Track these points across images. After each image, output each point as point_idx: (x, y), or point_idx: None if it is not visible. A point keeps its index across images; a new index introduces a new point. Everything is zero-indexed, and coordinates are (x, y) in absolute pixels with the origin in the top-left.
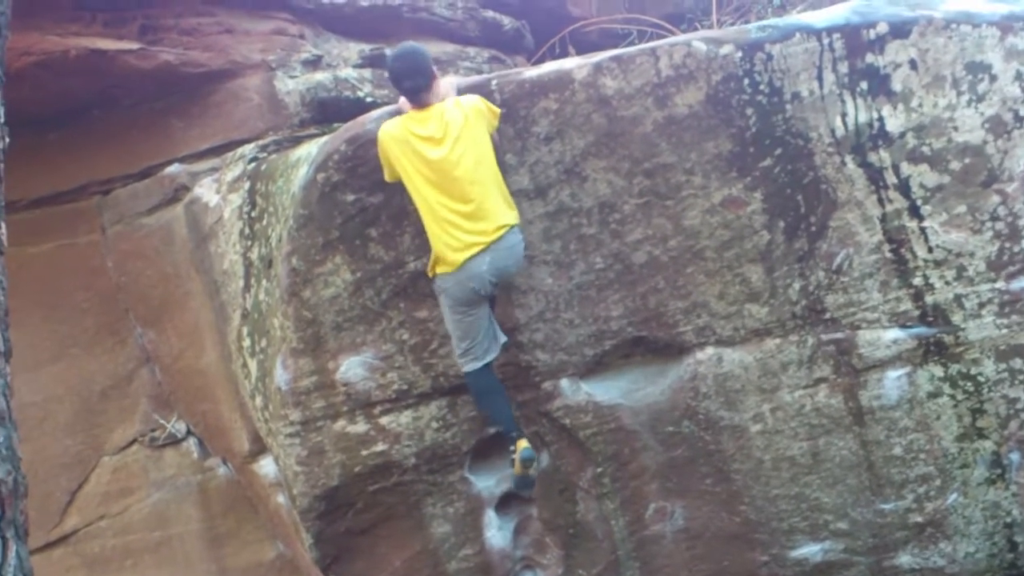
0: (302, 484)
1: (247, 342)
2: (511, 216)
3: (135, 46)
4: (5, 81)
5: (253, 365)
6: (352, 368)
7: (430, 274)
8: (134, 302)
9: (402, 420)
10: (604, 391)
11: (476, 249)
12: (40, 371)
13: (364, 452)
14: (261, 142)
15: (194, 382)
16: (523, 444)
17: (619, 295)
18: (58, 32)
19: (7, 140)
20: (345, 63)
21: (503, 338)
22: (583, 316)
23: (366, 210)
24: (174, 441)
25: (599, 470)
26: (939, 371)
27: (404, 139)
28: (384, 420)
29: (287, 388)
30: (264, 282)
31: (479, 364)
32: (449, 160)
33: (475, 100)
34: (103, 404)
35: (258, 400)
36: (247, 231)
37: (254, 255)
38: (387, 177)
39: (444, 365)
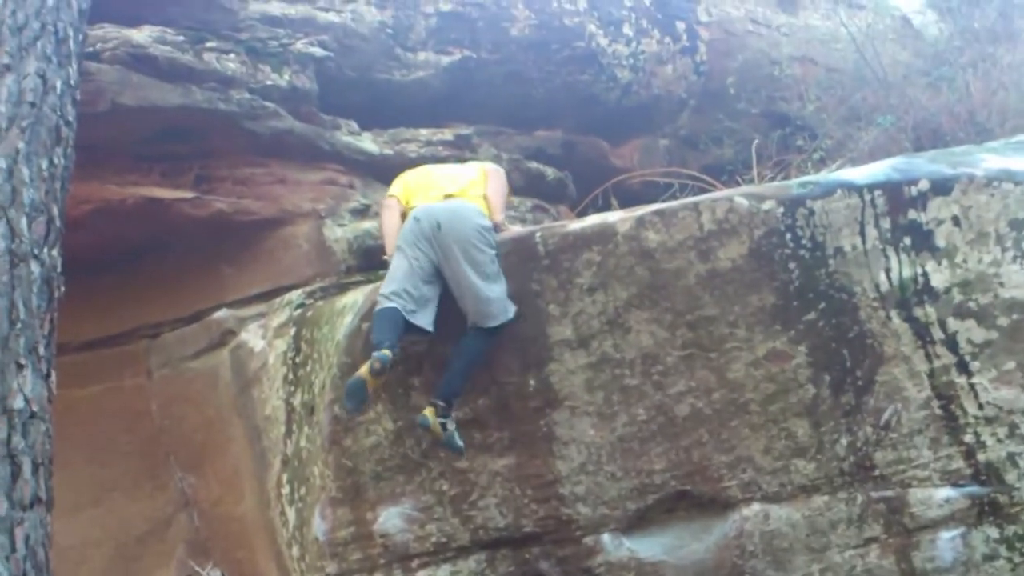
0: None
1: (286, 489)
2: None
3: (190, 195)
4: (64, 230)
5: (291, 513)
6: (391, 519)
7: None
8: (176, 446)
9: (439, 574)
10: (647, 547)
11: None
12: (79, 515)
13: None
14: (308, 288)
15: (231, 528)
16: (386, 352)
17: (662, 448)
18: (116, 181)
19: (62, 289)
20: None
21: (425, 322)
22: (625, 469)
23: (408, 359)
24: None
25: None
26: (995, 532)
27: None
28: (421, 574)
29: (325, 539)
30: (306, 429)
31: (386, 305)
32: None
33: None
34: (139, 549)
35: (295, 550)
36: (291, 376)
37: (297, 401)
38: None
39: (484, 517)
